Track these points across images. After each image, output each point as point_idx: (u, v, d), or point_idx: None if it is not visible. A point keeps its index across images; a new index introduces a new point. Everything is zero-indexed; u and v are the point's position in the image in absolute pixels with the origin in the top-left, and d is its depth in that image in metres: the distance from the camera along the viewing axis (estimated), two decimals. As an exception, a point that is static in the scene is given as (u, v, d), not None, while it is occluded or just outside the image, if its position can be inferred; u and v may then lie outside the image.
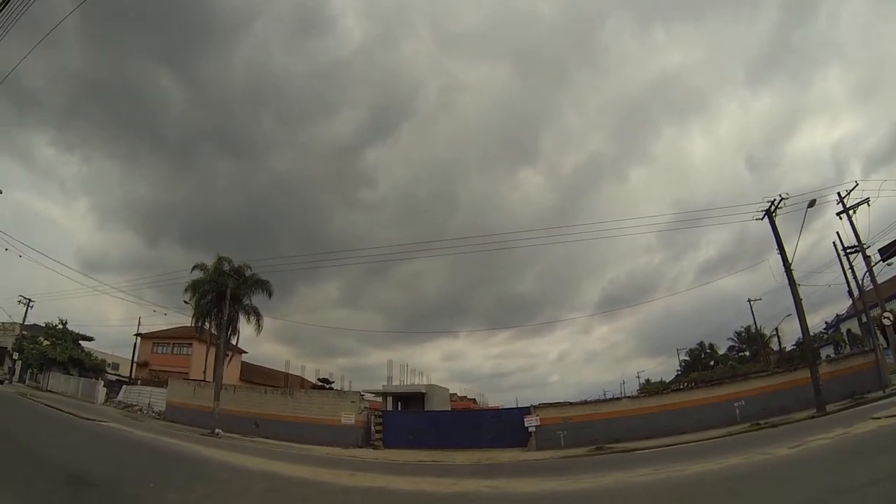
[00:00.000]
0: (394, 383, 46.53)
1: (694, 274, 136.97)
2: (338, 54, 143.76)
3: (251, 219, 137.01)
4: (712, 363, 66.53)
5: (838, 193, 31.28)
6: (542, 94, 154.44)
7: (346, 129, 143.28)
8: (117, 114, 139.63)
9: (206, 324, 43.58)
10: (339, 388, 47.11)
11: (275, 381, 56.46)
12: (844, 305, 58.17)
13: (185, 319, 46.89)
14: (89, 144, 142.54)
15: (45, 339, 53.94)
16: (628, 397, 33.97)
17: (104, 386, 49.59)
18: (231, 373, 50.68)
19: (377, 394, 45.09)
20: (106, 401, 46.64)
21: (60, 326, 56.04)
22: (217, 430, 30.95)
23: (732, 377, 34.60)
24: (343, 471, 17.80)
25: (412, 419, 35.75)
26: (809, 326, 29.54)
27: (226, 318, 38.35)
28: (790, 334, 59.11)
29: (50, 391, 47.40)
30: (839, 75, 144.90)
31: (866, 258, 31.34)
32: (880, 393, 25.87)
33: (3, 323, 60.76)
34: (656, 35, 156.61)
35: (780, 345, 59.67)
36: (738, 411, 27.15)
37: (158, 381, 48.52)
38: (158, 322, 59.34)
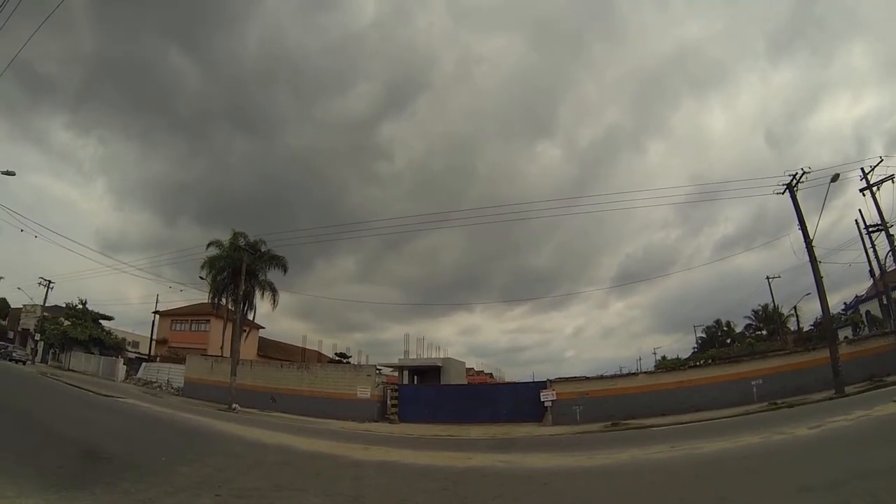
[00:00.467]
0: (410, 357, 46.61)
1: (711, 251, 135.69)
2: (352, 28, 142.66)
3: (268, 195, 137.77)
4: (729, 341, 65.98)
5: (862, 169, 30.44)
6: (559, 66, 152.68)
7: (362, 104, 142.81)
8: (132, 94, 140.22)
9: (223, 300, 43.91)
10: (355, 363, 47.35)
11: (292, 357, 56.91)
12: (864, 286, 57.16)
13: (202, 296, 47.28)
14: (105, 126, 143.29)
15: (66, 319, 54.86)
16: (645, 373, 33.73)
17: (124, 364, 50.49)
18: (248, 348, 51.17)
19: (393, 367, 45.31)
20: (126, 378, 47.49)
21: (80, 307, 57.00)
22: (234, 405, 31.31)
23: (751, 355, 34.13)
24: (357, 444, 17.87)
25: (428, 393, 35.85)
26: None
27: (241, 293, 38.52)
28: (808, 314, 58.51)
29: (71, 370, 48.34)
30: (863, 49, 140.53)
31: (889, 237, 30.55)
32: (901, 375, 25.38)
33: (24, 305, 61.96)
34: (675, 4, 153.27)
35: (798, 324, 59.09)
36: (755, 390, 26.85)
37: (177, 357, 49.14)
38: (177, 299, 60.25)
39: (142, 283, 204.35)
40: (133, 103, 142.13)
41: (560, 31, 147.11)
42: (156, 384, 43.65)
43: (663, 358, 71.60)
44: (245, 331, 44.08)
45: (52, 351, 56.22)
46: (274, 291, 43.54)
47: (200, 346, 55.84)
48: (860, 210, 32.97)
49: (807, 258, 27.82)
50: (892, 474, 8.19)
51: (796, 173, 27.55)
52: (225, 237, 42.84)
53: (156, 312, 59.72)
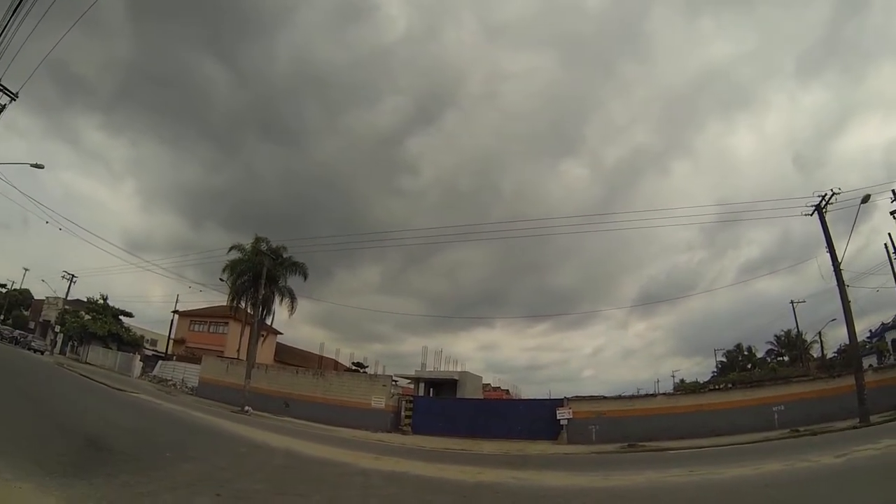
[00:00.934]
0: (427, 370, 46.29)
1: (734, 274, 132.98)
2: (381, 42, 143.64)
3: (293, 204, 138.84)
4: (750, 366, 64.85)
5: (893, 191, 29.65)
6: (586, 85, 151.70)
7: (390, 118, 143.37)
8: (165, 100, 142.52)
9: (242, 303, 44.09)
10: (371, 373, 47.11)
11: (309, 363, 56.79)
12: (890, 314, 55.89)
13: (222, 299, 47.49)
14: (136, 128, 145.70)
15: (87, 313, 55.64)
16: (663, 394, 33.17)
17: (140, 360, 50.92)
18: (265, 353, 51.26)
19: (410, 379, 44.99)
20: (141, 374, 47.89)
21: (102, 302, 57.79)
22: (247, 408, 31.28)
23: (773, 380, 33.39)
24: (366, 453, 17.64)
25: (443, 406, 35.44)
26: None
27: (261, 297, 38.64)
28: (831, 341, 57.12)
29: (89, 363, 48.94)
30: (894, 71, 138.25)
31: (920, 261, 29.73)
32: (929, 405, 24.53)
33: (47, 297, 63.10)
34: (704, 24, 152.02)
35: (822, 350, 57.78)
36: (776, 416, 26.12)
37: (193, 357, 49.47)
38: (197, 300, 60.59)
39: (164, 282, 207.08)
40: (166, 109, 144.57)
41: (588, 49, 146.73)
42: (171, 382, 43.92)
43: (682, 381, 70.65)
44: (263, 335, 44.18)
45: (70, 343, 57.06)
46: (293, 298, 43.61)
47: (218, 347, 56.14)
48: (889, 234, 32.14)
49: (834, 282, 27.10)
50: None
51: (825, 194, 26.94)
52: (248, 242, 43.14)
53: (175, 312, 60.21)
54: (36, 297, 65.65)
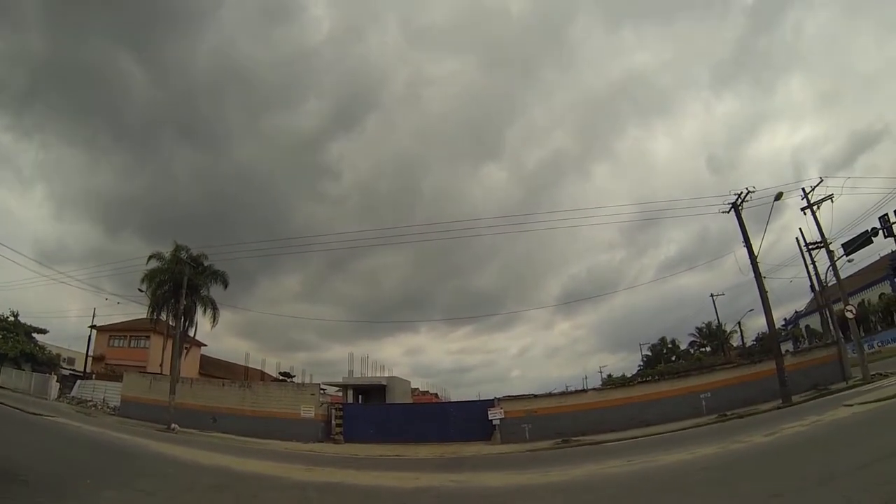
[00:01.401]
0: (354, 376, 45.59)
1: (655, 271, 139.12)
2: (305, 44, 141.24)
3: (213, 209, 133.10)
4: (674, 358, 67.44)
5: (803, 189, 31.36)
6: (508, 90, 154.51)
7: (311, 120, 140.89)
8: (77, 99, 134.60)
9: (163, 315, 42.19)
10: (299, 382, 45.91)
11: (235, 375, 54.84)
12: (803, 303, 59.65)
13: (142, 311, 45.23)
14: (47, 130, 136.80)
15: (-4, 332, 51.51)
16: (594, 389, 33.82)
17: (57, 381, 47.44)
18: (190, 366, 49.10)
19: (338, 386, 44.17)
20: (59, 396, 44.68)
21: (12, 319, 53.60)
22: (173, 426, 29.77)
23: (698, 369, 34.59)
24: (299, 465, 17.06)
25: (373, 412, 34.93)
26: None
27: (182, 308, 37.03)
28: (749, 330, 60.39)
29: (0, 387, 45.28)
30: (801, 83, 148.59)
31: (829, 253, 31.55)
32: (843, 384, 26.04)
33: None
34: (626, 35, 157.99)
35: (742, 339, 60.79)
36: (704, 403, 27.12)
37: (114, 375, 46.66)
38: (116, 314, 57.30)
39: (80, 295, 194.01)
40: (79, 109, 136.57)
41: (511, 55, 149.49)
42: (91, 403, 41.25)
43: (609, 376, 72.81)
44: (186, 348, 42.41)
45: (-24, 367, 52.60)
46: (215, 308, 42.13)
47: (139, 363, 53.34)
48: (800, 228, 34.14)
49: (751, 274, 28.62)
50: (861, 474, 7.98)
51: (741, 192, 28.40)
52: (168, 250, 41.27)
53: (92, 327, 56.66)
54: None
